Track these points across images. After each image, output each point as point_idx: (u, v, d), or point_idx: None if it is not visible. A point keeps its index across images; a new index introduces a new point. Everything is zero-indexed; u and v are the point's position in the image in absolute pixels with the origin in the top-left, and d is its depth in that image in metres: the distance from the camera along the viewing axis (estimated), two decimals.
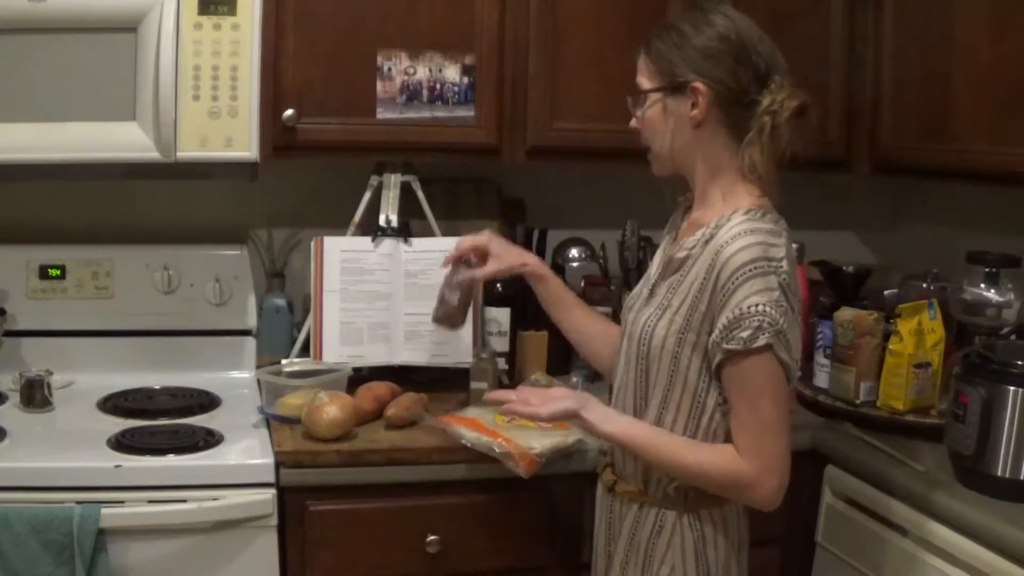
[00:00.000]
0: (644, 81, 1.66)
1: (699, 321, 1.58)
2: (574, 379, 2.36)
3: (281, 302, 2.53)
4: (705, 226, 1.62)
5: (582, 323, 1.98)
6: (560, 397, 1.73)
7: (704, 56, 1.59)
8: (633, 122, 1.70)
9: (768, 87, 1.58)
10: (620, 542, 1.73)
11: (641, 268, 2.44)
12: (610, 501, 1.76)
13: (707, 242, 1.59)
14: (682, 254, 1.64)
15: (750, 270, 1.52)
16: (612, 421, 1.67)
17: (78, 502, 1.82)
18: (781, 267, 1.53)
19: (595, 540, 1.83)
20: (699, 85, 1.59)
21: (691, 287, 1.59)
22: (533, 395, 1.77)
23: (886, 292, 2.53)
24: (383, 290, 2.35)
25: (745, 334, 1.51)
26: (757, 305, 1.51)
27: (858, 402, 2.18)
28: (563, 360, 2.46)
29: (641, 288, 1.76)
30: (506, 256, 1.99)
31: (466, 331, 2.33)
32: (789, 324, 1.53)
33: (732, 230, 1.56)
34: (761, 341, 1.51)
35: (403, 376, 2.31)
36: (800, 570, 2.15)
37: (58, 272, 2.39)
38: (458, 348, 2.29)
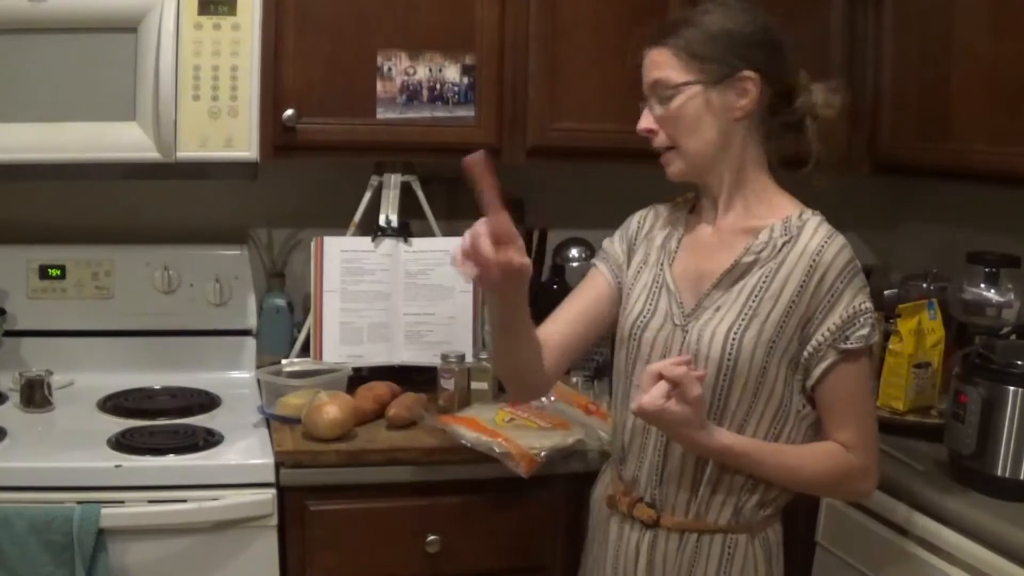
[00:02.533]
0: (672, 75, 1.56)
1: (793, 328, 1.54)
2: (574, 379, 2.36)
3: (281, 302, 2.53)
4: (767, 229, 1.58)
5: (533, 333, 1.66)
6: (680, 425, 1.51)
7: (747, 44, 1.55)
8: (647, 123, 1.61)
9: (799, 81, 1.59)
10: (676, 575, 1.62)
11: None
12: (651, 538, 1.62)
13: (784, 246, 1.56)
14: (749, 259, 1.58)
15: (851, 270, 1.54)
16: (722, 432, 1.54)
17: (78, 502, 1.82)
18: (860, 267, 1.58)
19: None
20: (750, 73, 1.55)
21: (781, 293, 1.54)
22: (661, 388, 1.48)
23: (886, 292, 2.53)
24: (383, 290, 2.35)
25: (864, 332, 1.53)
26: (864, 303, 1.54)
27: None
28: None
29: (650, 302, 1.65)
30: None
31: (466, 331, 2.34)
32: None
33: (820, 232, 1.56)
34: (875, 338, 1.55)
35: (403, 376, 2.31)
36: (800, 570, 2.15)
37: (58, 272, 2.39)
38: (458, 348, 2.28)
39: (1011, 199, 2.33)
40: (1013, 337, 2.05)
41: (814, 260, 1.54)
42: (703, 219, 1.68)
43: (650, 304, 1.66)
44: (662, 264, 1.68)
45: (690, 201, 1.74)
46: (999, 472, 1.77)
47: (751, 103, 1.56)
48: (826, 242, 1.55)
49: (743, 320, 1.55)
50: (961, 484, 1.83)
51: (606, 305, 1.74)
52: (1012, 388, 1.77)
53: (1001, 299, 2.20)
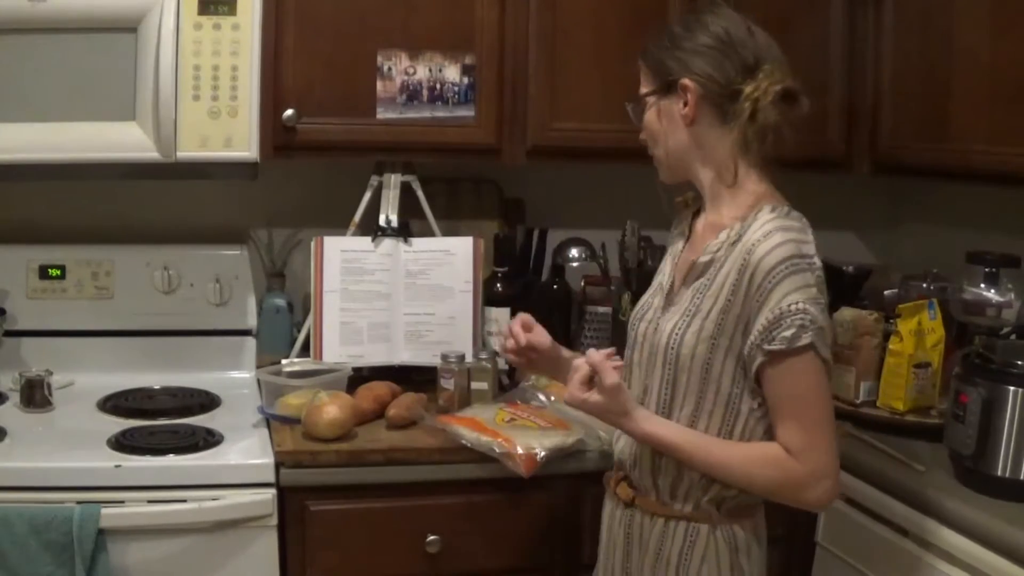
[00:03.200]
0: (642, 87, 1.68)
1: (732, 325, 1.55)
2: None
3: (281, 302, 2.53)
4: (727, 228, 1.60)
5: None
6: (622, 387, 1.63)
7: (692, 54, 1.59)
8: (642, 133, 1.70)
9: (755, 76, 1.57)
10: (645, 558, 1.66)
11: (641, 268, 2.44)
12: (628, 517, 1.69)
13: (734, 243, 1.57)
14: (706, 258, 1.60)
15: (786, 268, 1.50)
16: (654, 421, 1.61)
17: (78, 502, 1.82)
18: (815, 263, 1.52)
19: (604, 556, 1.77)
20: (687, 82, 1.59)
21: (721, 290, 1.56)
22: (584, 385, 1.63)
23: (886, 292, 2.53)
24: (383, 290, 2.35)
25: (788, 333, 1.49)
26: (797, 303, 1.49)
27: (858, 402, 2.18)
28: None
29: (651, 297, 1.73)
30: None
31: (466, 331, 2.34)
32: (826, 321, 1.52)
33: (762, 228, 1.54)
34: (804, 340, 1.48)
35: (403, 376, 2.31)
36: (800, 570, 2.15)
37: (58, 272, 2.39)
38: (458, 348, 2.28)
39: (1011, 199, 2.33)
40: (1013, 337, 2.06)
41: (745, 258, 1.53)
42: (697, 221, 1.73)
43: (650, 299, 1.73)
44: (668, 263, 1.75)
45: (692, 200, 1.76)
46: (999, 472, 1.77)
47: (691, 110, 1.60)
48: (760, 240, 1.52)
49: (686, 317, 1.60)
50: (961, 484, 1.83)
51: None
52: (1012, 388, 1.77)
53: (1001, 299, 2.20)
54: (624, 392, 1.59)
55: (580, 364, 1.61)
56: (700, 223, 1.70)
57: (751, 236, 1.54)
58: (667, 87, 1.62)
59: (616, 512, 1.73)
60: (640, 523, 1.67)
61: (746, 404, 1.57)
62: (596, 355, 1.58)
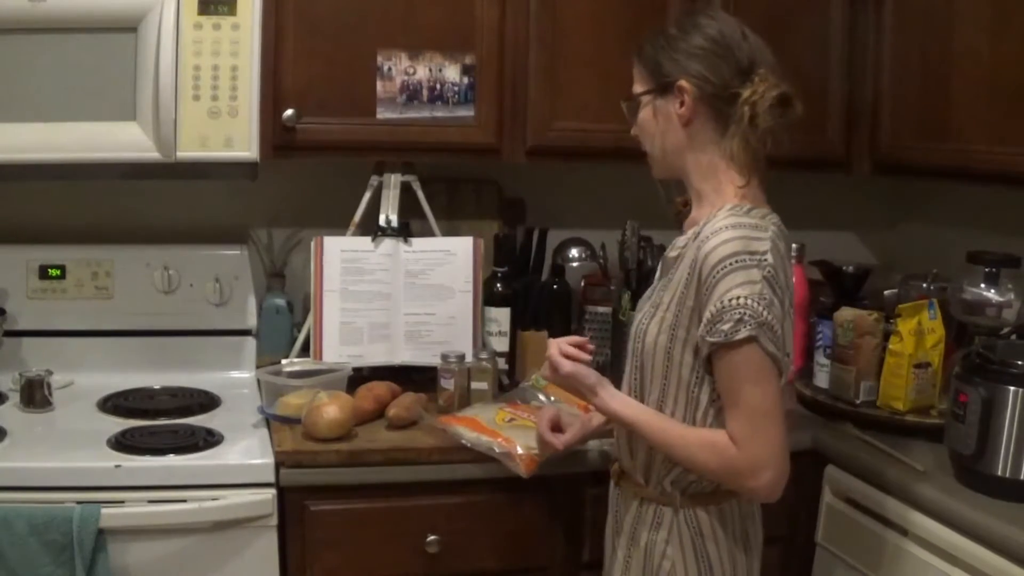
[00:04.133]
0: (636, 86, 1.71)
1: (687, 317, 1.60)
2: None
3: (281, 302, 2.53)
4: (697, 225, 1.65)
5: None
6: (586, 371, 1.73)
7: (688, 55, 1.62)
8: (633, 129, 1.74)
9: (751, 80, 1.60)
10: (623, 536, 1.75)
11: (641, 268, 2.44)
12: (617, 494, 1.79)
13: (694, 239, 1.62)
14: (674, 253, 1.68)
15: (731, 263, 1.53)
16: (619, 400, 1.70)
17: (78, 502, 1.82)
18: (765, 260, 1.54)
19: (605, 534, 1.85)
20: (684, 83, 1.62)
21: (679, 284, 1.62)
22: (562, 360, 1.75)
23: (886, 292, 2.53)
24: (383, 290, 2.35)
25: (726, 327, 1.52)
26: (738, 298, 1.52)
27: (858, 402, 2.18)
28: None
29: (649, 292, 1.79)
30: (577, 423, 1.93)
31: (466, 331, 2.34)
32: (776, 317, 1.53)
33: (715, 225, 1.58)
34: (743, 333, 1.51)
35: (403, 376, 2.31)
36: (800, 570, 2.15)
37: (58, 272, 2.39)
38: (458, 348, 2.28)
39: (1011, 199, 2.34)
40: (1013, 337, 2.06)
41: (696, 253, 1.58)
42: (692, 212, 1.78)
43: (648, 293, 1.77)
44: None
45: (685, 203, 1.81)
46: (999, 472, 1.77)
47: (687, 111, 1.63)
48: (710, 236, 1.57)
49: (651, 310, 1.67)
50: (961, 484, 1.83)
51: None
52: (1012, 388, 1.77)
53: (1001, 299, 2.20)
54: (582, 375, 1.71)
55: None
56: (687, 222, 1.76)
57: (704, 232, 1.59)
58: (663, 87, 1.65)
59: (613, 491, 1.82)
60: (623, 502, 1.77)
61: (704, 394, 1.62)
62: (552, 347, 1.74)
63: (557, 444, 1.86)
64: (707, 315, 1.55)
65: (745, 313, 1.51)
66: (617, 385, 1.74)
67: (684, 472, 1.65)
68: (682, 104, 1.63)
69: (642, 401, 1.69)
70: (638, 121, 1.71)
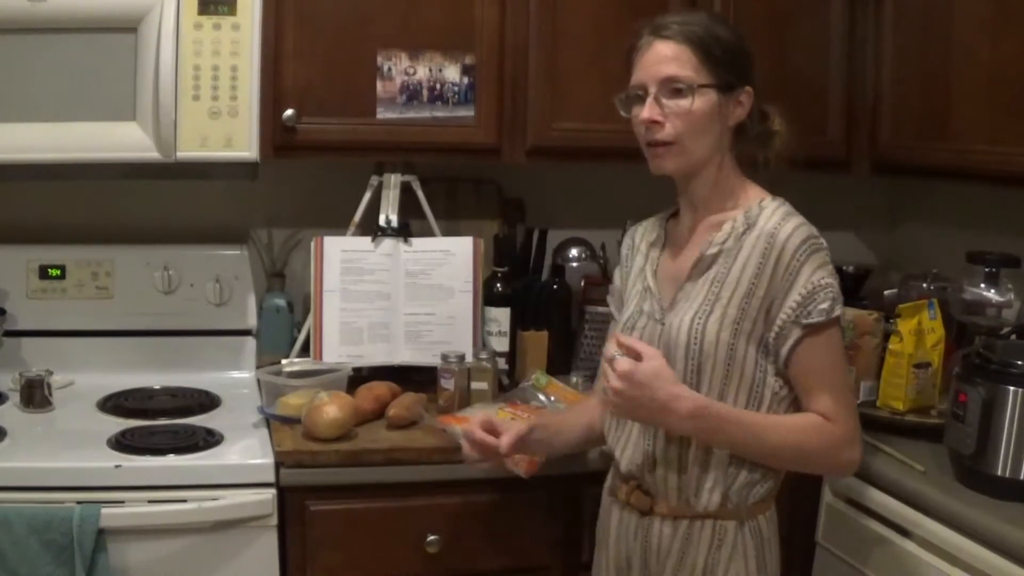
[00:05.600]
0: (691, 74, 1.61)
1: (756, 309, 1.60)
2: (574, 379, 2.36)
3: (281, 302, 2.53)
4: (730, 220, 1.66)
5: (576, 422, 1.89)
6: (640, 402, 1.57)
7: (751, 60, 1.66)
8: (655, 113, 1.62)
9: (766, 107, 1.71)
10: (667, 563, 1.66)
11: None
12: (646, 526, 1.68)
13: (743, 233, 1.63)
14: (714, 250, 1.65)
15: (809, 247, 1.59)
16: (702, 397, 1.59)
17: (78, 502, 1.82)
18: (824, 243, 1.62)
19: (617, 571, 1.74)
20: (750, 89, 1.65)
21: (741, 277, 1.61)
22: (625, 380, 1.56)
23: (886, 292, 2.53)
24: (383, 290, 2.35)
25: (824, 306, 1.57)
26: (824, 279, 1.58)
27: (858, 402, 2.17)
28: (563, 360, 2.46)
29: (640, 304, 1.74)
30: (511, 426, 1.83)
31: (466, 331, 2.34)
32: None
33: (775, 215, 1.62)
34: (837, 311, 1.59)
35: (403, 376, 2.31)
36: (800, 570, 2.15)
37: (58, 272, 2.39)
38: (458, 348, 2.28)
39: (1011, 199, 2.34)
40: (1013, 337, 2.06)
41: (769, 242, 1.59)
42: (681, 221, 1.76)
43: (638, 307, 1.74)
44: (647, 271, 1.77)
45: (666, 213, 1.82)
46: (999, 472, 1.77)
47: (744, 114, 1.66)
48: (780, 223, 1.61)
49: (706, 307, 1.62)
50: (961, 484, 1.83)
51: None
52: (1012, 388, 1.77)
53: (1001, 299, 2.20)
54: (663, 375, 1.56)
55: (613, 358, 1.58)
56: (682, 228, 1.75)
57: (767, 224, 1.61)
58: (729, 87, 1.64)
59: (630, 523, 1.71)
60: (659, 531, 1.67)
61: (769, 388, 1.62)
62: (624, 341, 1.60)
63: (502, 446, 1.71)
64: (795, 299, 1.58)
65: (833, 292, 1.58)
66: None
67: (750, 473, 1.63)
68: (739, 105, 1.65)
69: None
70: (690, 109, 1.61)
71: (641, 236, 1.83)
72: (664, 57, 1.62)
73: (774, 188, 1.72)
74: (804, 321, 1.58)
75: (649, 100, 1.63)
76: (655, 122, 1.62)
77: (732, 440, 1.59)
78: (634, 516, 1.70)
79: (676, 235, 1.77)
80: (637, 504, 1.69)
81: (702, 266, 1.66)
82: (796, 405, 1.64)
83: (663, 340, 1.66)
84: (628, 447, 1.71)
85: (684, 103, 1.61)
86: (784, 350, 1.60)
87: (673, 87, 1.61)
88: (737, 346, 1.60)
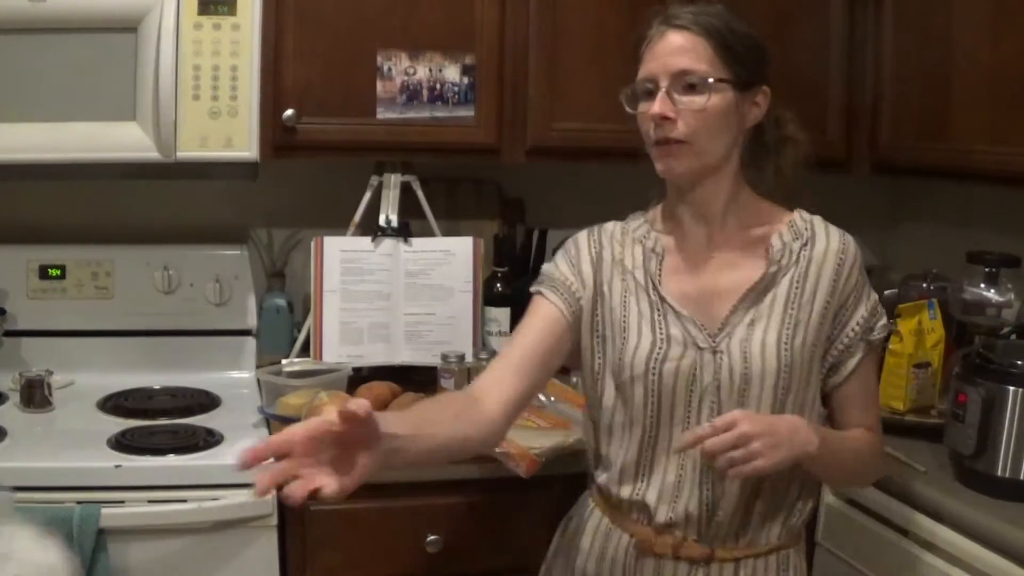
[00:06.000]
0: (707, 67, 1.49)
1: (829, 328, 1.56)
2: (574, 379, 2.36)
3: (281, 302, 2.53)
4: (775, 235, 1.57)
5: (438, 415, 1.50)
6: (782, 439, 1.41)
7: (765, 58, 1.57)
8: (667, 108, 1.49)
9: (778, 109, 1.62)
10: None
11: None
12: (704, 573, 1.55)
13: (802, 248, 1.56)
14: (774, 268, 1.55)
15: (863, 262, 1.61)
16: (816, 438, 1.46)
17: (78, 502, 1.82)
18: None
19: None
20: (767, 89, 1.56)
21: (816, 295, 1.54)
22: (754, 432, 1.38)
23: (886, 292, 2.52)
24: (383, 290, 2.35)
25: (884, 321, 1.59)
26: (875, 294, 1.61)
27: None
28: None
29: (660, 332, 1.54)
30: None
31: (466, 331, 2.34)
32: None
33: (832, 230, 1.60)
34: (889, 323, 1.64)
35: (403, 376, 2.31)
36: (800, 569, 2.14)
37: (58, 272, 2.39)
38: (458, 348, 2.29)
39: (1011, 199, 2.33)
40: (1013, 337, 2.06)
41: (841, 258, 1.56)
42: (684, 236, 1.61)
43: (660, 333, 1.55)
44: (652, 289, 1.58)
45: (642, 219, 1.68)
46: (999, 472, 1.77)
47: (761, 115, 1.57)
48: (843, 239, 1.59)
49: (788, 328, 1.52)
50: (961, 484, 1.83)
51: (562, 339, 1.61)
52: (1012, 388, 1.77)
53: (1001, 299, 2.20)
54: (765, 431, 1.40)
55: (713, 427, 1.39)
56: (699, 239, 1.59)
57: (831, 239, 1.58)
58: (747, 85, 1.53)
59: (679, 573, 1.56)
60: (720, 575, 1.56)
61: (817, 407, 1.58)
62: (715, 439, 1.37)
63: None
64: (863, 314, 1.56)
65: (882, 308, 1.60)
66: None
67: (803, 505, 1.60)
68: (756, 106, 1.55)
69: None
70: (705, 106, 1.48)
71: (615, 247, 1.64)
72: (678, 48, 1.49)
73: (790, 202, 1.64)
74: (870, 338, 1.57)
75: (660, 94, 1.49)
76: (666, 118, 1.49)
77: (844, 455, 1.55)
78: (683, 566, 1.55)
79: (685, 252, 1.61)
80: (692, 555, 1.54)
81: (761, 286, 1.54)
82: (825, 421, 1.62)
83: (724, 370, 1.51)
84: (675, 496, 1.54)
85: (699, 99, 1.48)
86: (849, 366, 1.57)
87: (687, 81, 1.48)
88: (813, 369, 1.55)
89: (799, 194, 1.61)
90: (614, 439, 1.60)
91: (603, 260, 1.63)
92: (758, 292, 1.54)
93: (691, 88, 1.49)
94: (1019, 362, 1.79)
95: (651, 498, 1.55)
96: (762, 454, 1.37)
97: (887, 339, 1.65)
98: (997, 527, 1.66)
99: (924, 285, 2.40)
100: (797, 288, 1.54)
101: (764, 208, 1.62)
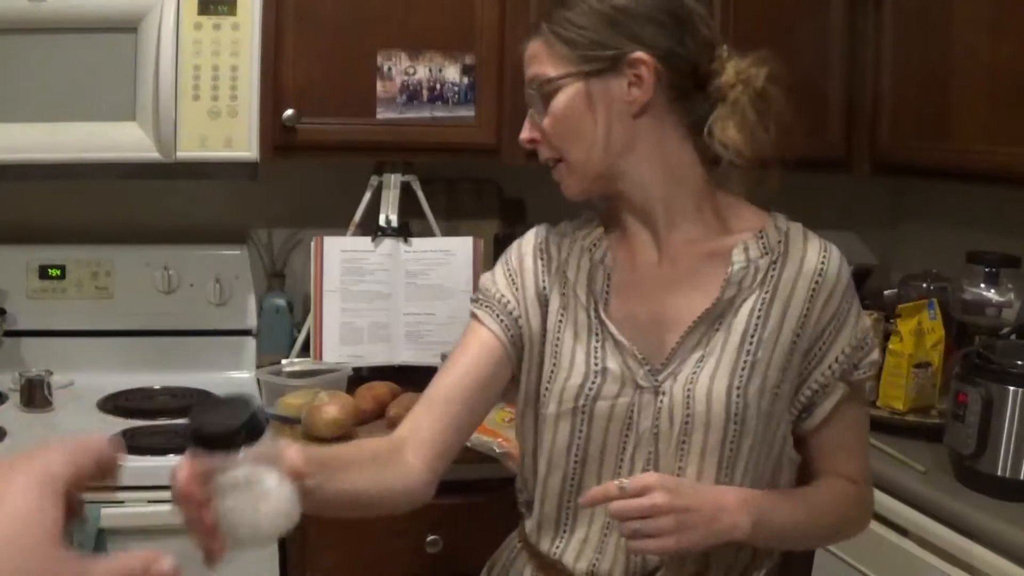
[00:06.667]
0: (547, 69, 1.27)
1: (797, 365, 1.28)
2: None
3: (281, 302, 2.53)
4: (736, 249, 1.28)
5: (356, 455, 1.32)
6: (698, 522, 1.19)
7: (638, 20, 1.23)
8: (528, 132, 1.31)
9: (719, 57, 1.27)
10: None
11: None
12: None
13: (770, 268, 1.28)
14: (731, 292, 1.28)
15: (852, 284, 1.31)
16: (753, 499, 1.24)
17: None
18: None
19: None
20: (641, 55, 1.22)
21: (781, 328, 1.26)
22: (666, 506, 1.17)
23: (886, 292, 2.53)
24: (383, 290, 2.35)
25: (873, 356, 1.31)
26: (866, 322, 1.33)
27: None
28: None
29: (596, 363, 1.29)
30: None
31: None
32: None
33: (812, 244, 1.30)
34: (879, 358, 1.36)
35: (403, 376, 2.31)
36: (800, 570, 2.14)
37: (58, 272, 2.39)
38: None
39: (1011, 199, 2.33)
40: (1013, 337, 2.06)
41: (816, 281, 1.27)
42: (635, 247, 1.34)
43: (595, 364, 1.30)
44: (593, 310, 1.33)
45: (596, 221, 1.40)
46: (999, 472, 1.77)
47: (646, 93, 1.24)
48: (825, 255, 1.29)
49: (743, 369, 1.25)
50: (961, 484, 1.83)
51: (499, 367, 1.37)
52: (1012, 388, 1.77)
53: (1001, 299, 2.20)
54: (694, 486, 1.23)
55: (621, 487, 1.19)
56: (647, 252, 1.33)
57: (806, 256, 1.28)
58: (605, 64, 1.24)
59: None
60: None
61: (786, 455, 1.32)
62: (616, 485, 1.19)
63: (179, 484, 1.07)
64: (844, 350, 1.28)
65: (872, 339, 1.32)
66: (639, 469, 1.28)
67: (759, 564, 1.35)
68: (634, 84, 1.24)
69: (731, 482, 1.27)
70: (555, 112, 1.26)
71: (561, 254, 1.39)
72: (528, 59, 1.30)
73: (754, 195, 1.35)
74: (851, 377, 1.29)
75: (527, 117, 1.32)
76: (533, 141, 1.32)
77: (788, 523, 1.27)
78: None
79: (632, 267, 1.33)
80: None
81: (715, 312, 1.27)
82: (802, 468, 1.37)
83: (665, 413, 1.26)
84: (597, 556, 1.32)
85: (551, 108, 1.27)
86: (825, 408, 1.30)
87: (537, 93, 1.29)
88: (773, 414, 1.27)
89: (771, 184, 1.27)
90: (535, 482, 1.39)
91: (552, 268, 1.39)
92: (710, 321, 1.27)
93: (543, 99, 1.28)
94: (1019, 362, 1.79)
95: (568, 558, 1.34)
96: (670, 533, 1.17)
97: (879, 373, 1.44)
98: (997, 527, 1.66)
99: (924, 285, 2.40)
100: (759, 319, 1.26)
101: (734, 210, 1.32)
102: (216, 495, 1.03)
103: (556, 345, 1.33)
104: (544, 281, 1.38)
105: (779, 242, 1.29)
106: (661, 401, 1.27)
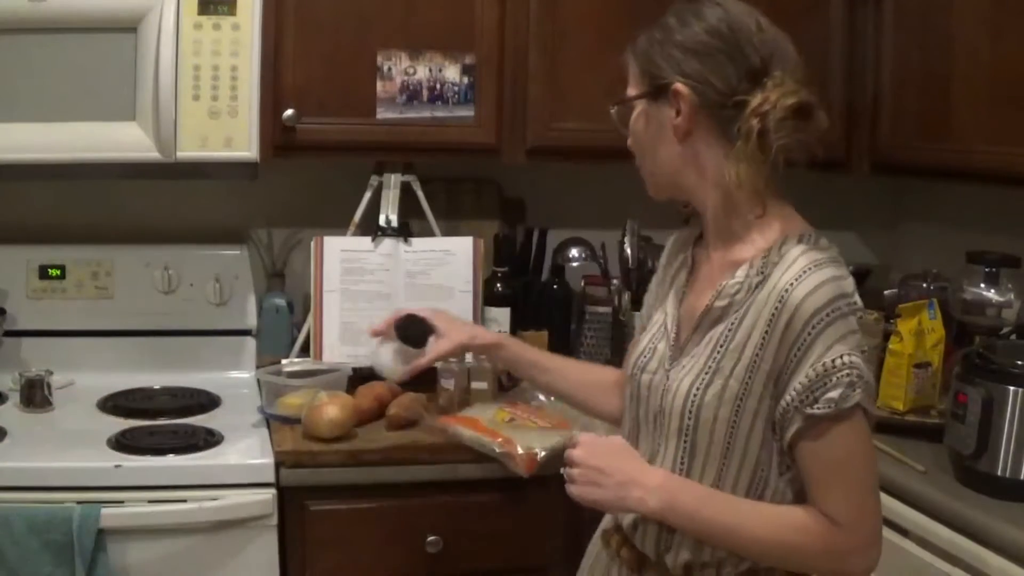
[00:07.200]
0: (629, 88, 1.45)
1: (761, 384, 1.31)
2: None
3: (281, 302, 2.53)
4: (745, 264, 1.36)
5: (575, 376, 1.77)
6: (605, 482, 1.39)
7: (687, 52, 1.34)
8: (629, 140, 1.47)
9: (762, 84, 1.32)
10: None
11: (641, 268, 2.44)
12: (610, 563, 1.49)
13: (758, 286, 1.33)
14: (723, 302, 1.36)
15: (827, 315, 1.26)
16: (669, 487, 1.35)
17: (78, 502, 1.82)
18: (856, 304, 1.30)
19: None
20: (680, 87, 1.34)
21: (745, 344, 1.32)
22: (578, 459, 1.43)
23: (886, 292, 2.53)
24: (383, 290, 2.35)
25: (835, 394, 1.26)
26: (842, 356, 1.26)
27: None
28: None
29: (653, 342, 1.47)
30: (453, 332, 1.83)
31: None
32: (871, 372, 1.30)
33: (795, 265, 1.30)
34: (853, 400, 1.26)
35: None
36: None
37: (58, 272, 2.39)
38: None
39: (1011, 199, 2.33)
40: (1013, 337, 2.06)
41: (777, 306, 1.29)
42: (707, 248, 1.47)
43: (652, 343, 1.48)
44: (671, 300, 1.49)
45: (699, 225, 1.51)
46: (999, 472, 1.77)
47: (685, 121, 1.35)
48: (797, 279, 1.29)
49: (705, 376, 1.34)
50: (961, 484, 1.83)
51: None
52: (1012, 388, 1.77)
53: (1001, 299, 2.20)
54: (621, 455, 1.42)
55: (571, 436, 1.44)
56: (705, 256, 1.46)
57: (781, 277, 1.30)
58: (657, 91, 1.38)
59: (601, 558, 1.53)
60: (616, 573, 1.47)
61: (774, 473, 1.34)
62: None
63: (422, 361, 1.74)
64: (802, 381, 1.27)
65: (852, 374, 1.26)
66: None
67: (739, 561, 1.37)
68: (678, 112, 1.35)
69: (685, 475, 1.37)
70: (629, 128, 1.45)
71: (674, 251, 1.56)
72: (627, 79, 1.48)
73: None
74: (807, 411, 1.27)
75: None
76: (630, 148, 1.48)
77: (704, 521, 1.33)
78: (622, 568, 1.47)
79: (701, 265, 1.49)
80: (626, 559, 1.46)
81: (709, 319, 1.38)
82: (803, 495, 1.35)
83: (659, 401, 1.41)
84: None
85: (628, 123, 1.46)
86: (787, 437, 1.31)
87: (621, 108, 1.47)
88: (740, 425, 1.32)
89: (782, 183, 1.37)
90: (622, 428, 1.56)
91: (666, 264, 1.58)
92: (706, 325, 1.38)
93: (626, 114, 1.46)
94: (1019, 362, 1.79)
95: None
96: (576, 483, 1.42)
97: (862, 411, 1.27)
98: (997, 527, 1.66)
99: (924, 285, 2.40)
100: (730, 331, 1.34)
101: (767, 226, 1.37)
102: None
103: (649, 323, 1.54)
104: (663, 275, 1.57)
105: (774, 264, 1.34)
106: (664, 386, 1.42)
